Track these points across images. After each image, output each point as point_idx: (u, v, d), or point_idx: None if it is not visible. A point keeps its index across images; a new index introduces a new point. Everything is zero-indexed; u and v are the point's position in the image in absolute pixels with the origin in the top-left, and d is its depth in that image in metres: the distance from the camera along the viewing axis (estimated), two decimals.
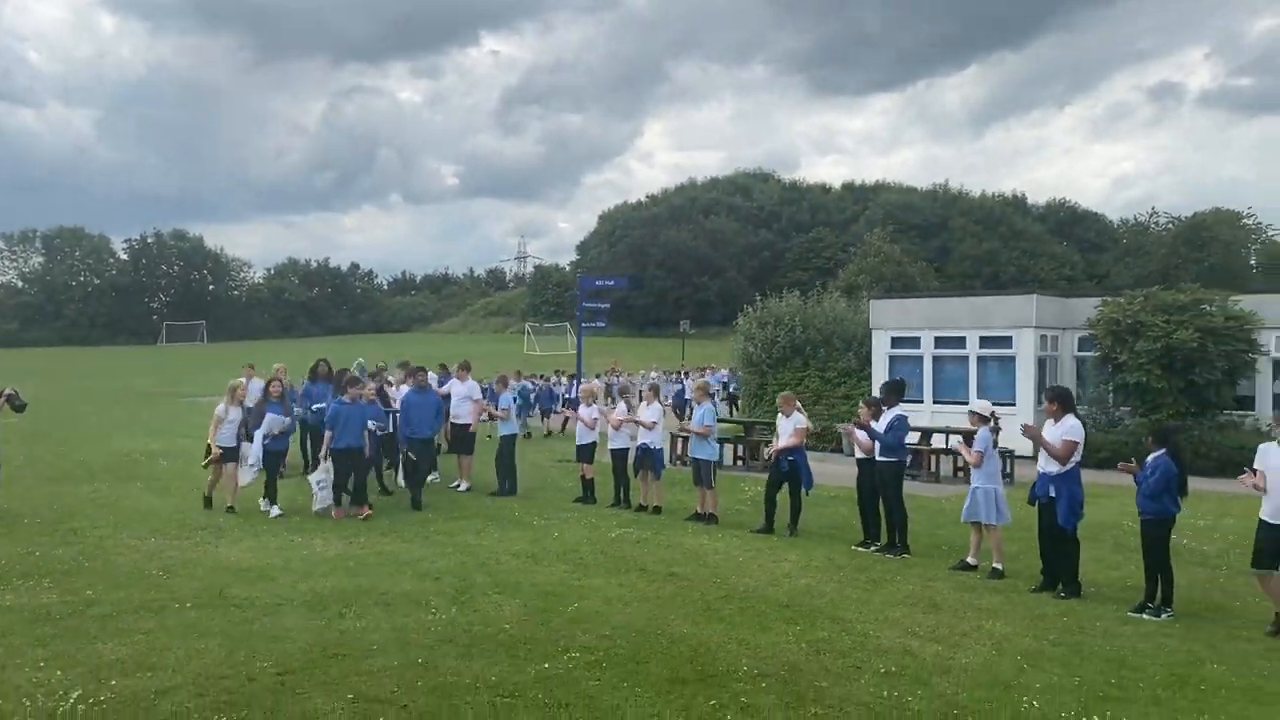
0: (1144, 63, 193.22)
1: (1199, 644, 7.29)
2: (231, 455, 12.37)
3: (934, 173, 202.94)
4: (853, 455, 12.04)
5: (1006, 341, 22.21)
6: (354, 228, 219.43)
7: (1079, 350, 22.84)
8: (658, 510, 13.03)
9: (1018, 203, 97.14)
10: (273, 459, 12.52)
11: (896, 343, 23.93)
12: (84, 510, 12.40)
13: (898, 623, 7.71)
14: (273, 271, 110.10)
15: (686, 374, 36.77)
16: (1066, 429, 8.88)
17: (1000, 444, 10.27)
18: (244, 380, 14.29)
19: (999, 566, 9.54)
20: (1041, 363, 22.43)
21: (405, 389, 14.76)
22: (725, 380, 30.29)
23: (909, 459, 12.47)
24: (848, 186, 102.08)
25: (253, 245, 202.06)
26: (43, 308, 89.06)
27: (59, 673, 6.15)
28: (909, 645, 7.10)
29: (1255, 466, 7.77)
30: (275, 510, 12.20)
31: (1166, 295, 20.75)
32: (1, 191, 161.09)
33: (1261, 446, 7.84)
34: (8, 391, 12.09)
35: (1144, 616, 8.08)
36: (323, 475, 12.30)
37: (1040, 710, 5.78)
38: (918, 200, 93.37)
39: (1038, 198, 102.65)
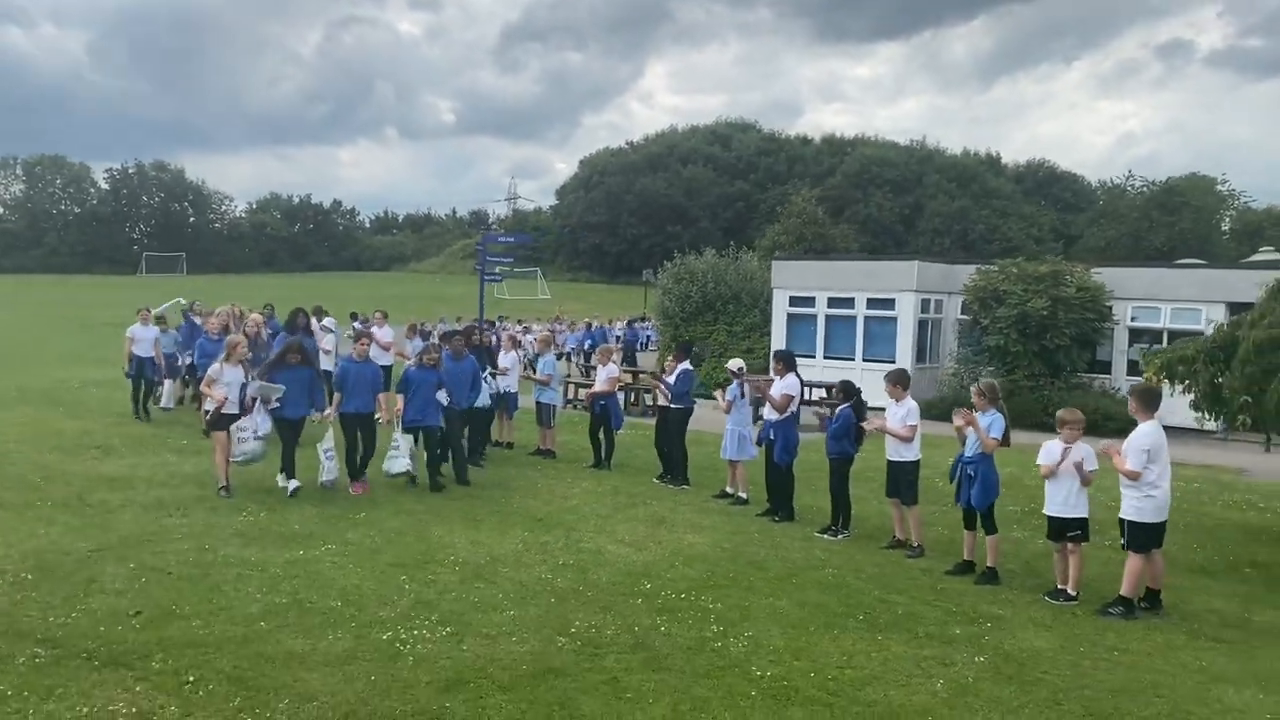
0: (1156, 19, 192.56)
1: (836, 555, 9.23)
2: (225, 423, 10.59)
3: (938, 125, 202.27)
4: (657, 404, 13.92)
5: (890, 304, 24.04)
6: (349, 161, 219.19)
7: (961, 314, 24.63)
8: (509, 446, 14.90)
9: (993, 162, 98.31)
10: (285, 428, 10.94)
11: (795, 301, 25.74)
12: (3, 428, 14.27)
13: (615, 533, 9.64)
14: (255, 205, 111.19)
15: (640, 320, 38.84)
16: (785, 385, 10.79)
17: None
18: (242, 334, 12.76)
19: (744, 495, 11.49)
20: (923, 324, 24.31)
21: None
22: (581, 338, 32.52)
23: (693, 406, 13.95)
24: (827, 140, 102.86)
25: (245, 176, 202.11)
26: (23, 235, 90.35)
27: None
28: (604, 547, 9.04)
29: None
30: (294, 484, 10.73)
31: (1029, 265, 22.59)
32: None
33: (888, 404, 9.70)
34: None
35: (825, 536, 10.02)
36: (330, 444, 11.07)
37: (653, 590, 7.72)
38: (894, 155, 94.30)
39: (1042, 154, 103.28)
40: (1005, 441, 8.61)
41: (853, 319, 24.63)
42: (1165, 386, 9.90)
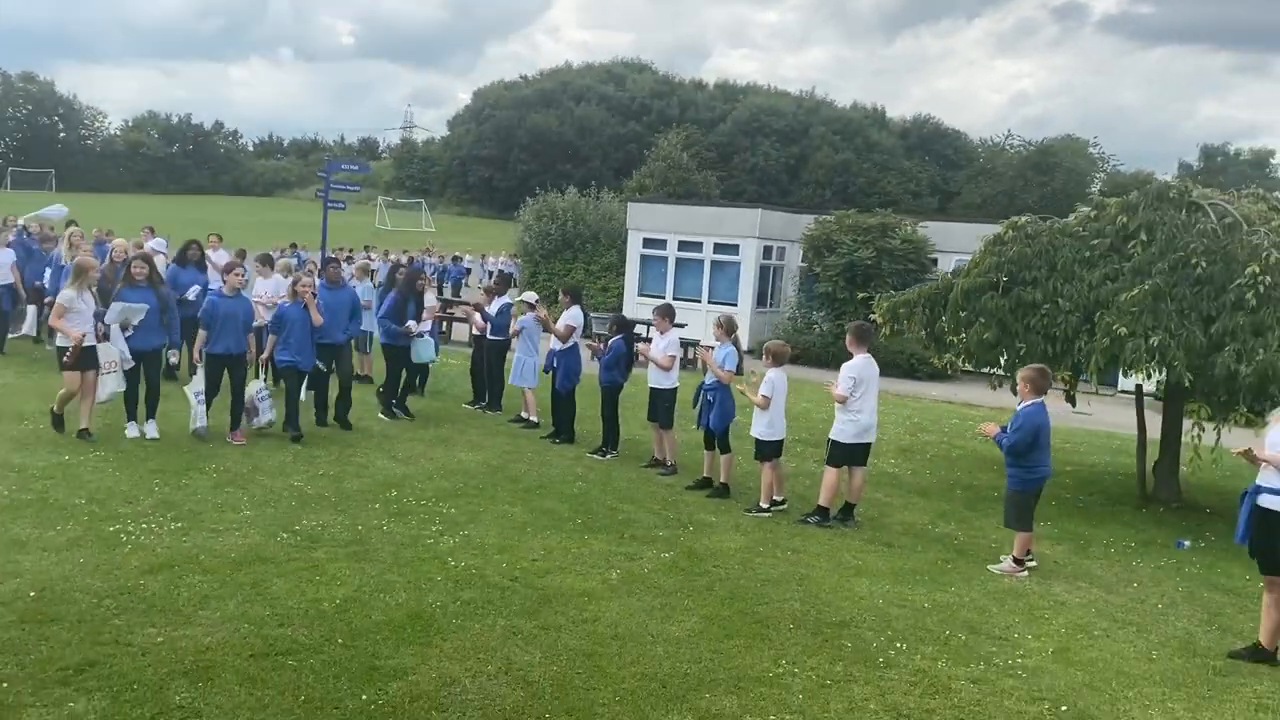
0: None
1: (595, 471, 10.01)
2: (90, 360, 9.51)
3: (842, 76, 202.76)
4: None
5: (735, 249, 24.95)
6: (240, 81, 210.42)
7: (803, 261, 25.68)
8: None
9: (877, 116, 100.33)
10: (139, 360, 9.82)
11: (648, 243, 26.43)
12: None
13: (392, 450, 10.21)
14: (130, 124, 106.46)
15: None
16: (569, 317, 11.48)
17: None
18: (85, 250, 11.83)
19: (534, 419, 12.19)
20: (765, 270, 25.34)
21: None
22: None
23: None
24: (720, 86, 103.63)
25: (128, 91, 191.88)
26: None
27: None
28: (373, 462, 9.63)
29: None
30: (148, 430, 9.86)
31: (860, 218, 23.73)
32: None
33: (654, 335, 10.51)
34: None
35: (595, 456, 10.80)
36: (201, 386, 10.06)
37: (396, 497, 8.37)
38: (783, 105, 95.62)
39: (939, 110, 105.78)
40: (739, 371, 9.46)
41: (700, 262, 25.50)
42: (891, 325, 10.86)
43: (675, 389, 10.33)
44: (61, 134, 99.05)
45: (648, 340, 11.57)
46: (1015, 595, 7.10)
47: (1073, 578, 7.73)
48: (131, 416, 9.88)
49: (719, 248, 25.17)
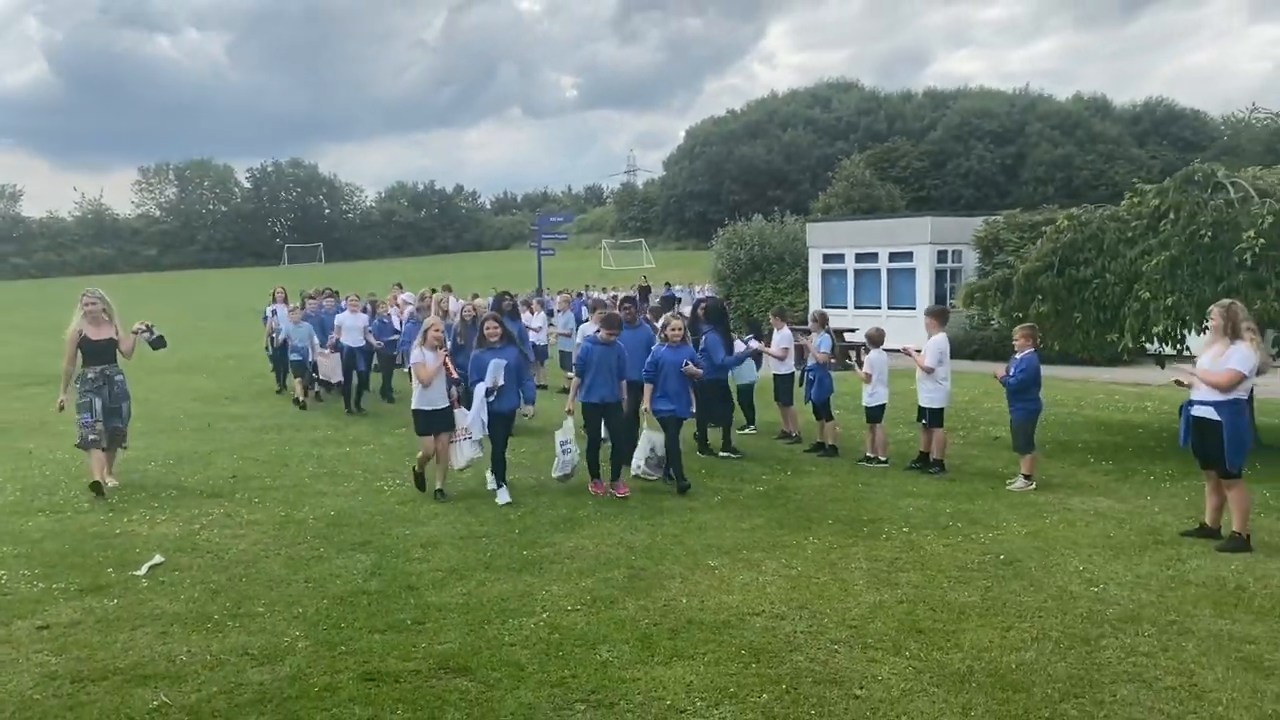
0: None
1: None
2: (442, 422, 9.46)
3: (1077, 64, 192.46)
4: None
5: (909, 256, 26.76)
6: (476, 144, 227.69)
7: (977, 263, 27.05)
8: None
9: (1099, 104, 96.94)
10: (499, 423, 9.58)
11: (828, 259, 28.66)
12: (163, 387, 18.85)
13: None
14: (383, 194, 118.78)
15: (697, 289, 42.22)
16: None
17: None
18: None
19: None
20: (941, 274, 26.95)
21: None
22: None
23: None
24: (928, 94, 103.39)
25: (377, 164, 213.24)
26: (178, 234, 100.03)
27: None
28: None
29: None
30: (504, 494, 9.45)
31: (1026, 216, 25.00)
32: (145, 117, 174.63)
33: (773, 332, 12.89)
34: (139, 327, 10.24)
35: (740, 433, 13.32)
36: (567, 435, 9.93)
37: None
38: (996, 106, 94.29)
39: (1186, 90, 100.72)
40: (833, 355, 11.80)
41: (877, 272, 27.43)
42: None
43: (792, 374, 12.77)
44: (326, 210, 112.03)
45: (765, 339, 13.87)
46: (1030, 505, 9.08)
47: (1096, 494, 9.54)
48: (495, 474, 9.73)
49: (894, 256, 27.01)
